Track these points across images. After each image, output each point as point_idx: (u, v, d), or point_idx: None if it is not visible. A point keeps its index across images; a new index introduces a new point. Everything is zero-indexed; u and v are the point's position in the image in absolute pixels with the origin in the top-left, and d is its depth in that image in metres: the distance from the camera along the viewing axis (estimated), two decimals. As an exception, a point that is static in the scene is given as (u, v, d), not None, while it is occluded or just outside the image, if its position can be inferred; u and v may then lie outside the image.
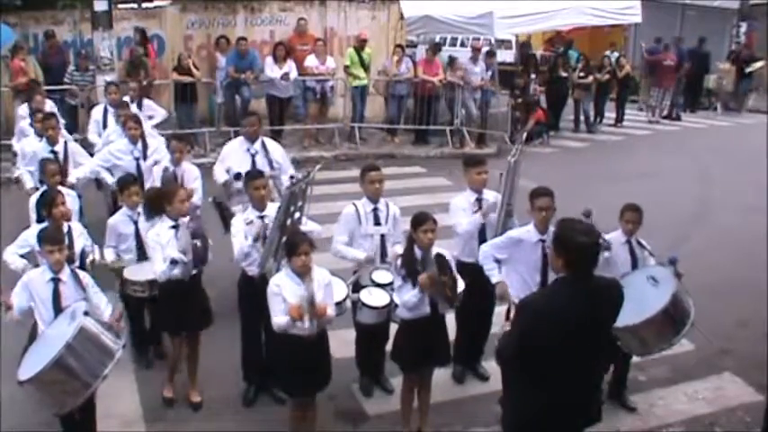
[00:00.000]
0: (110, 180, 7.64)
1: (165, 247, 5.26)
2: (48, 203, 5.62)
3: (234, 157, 7.34)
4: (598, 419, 3.87)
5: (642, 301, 4.90)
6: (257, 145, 7.35)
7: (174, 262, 5.21)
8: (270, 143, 7.61)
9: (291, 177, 5.56)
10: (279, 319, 4.64)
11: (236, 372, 5.76)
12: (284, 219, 5.04)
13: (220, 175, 7.32)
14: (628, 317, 4.71)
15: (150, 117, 9.92)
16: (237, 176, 6.89)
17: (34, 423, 5.16)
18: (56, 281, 4.70)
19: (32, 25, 13.77)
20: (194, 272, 5.40)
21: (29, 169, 7.67)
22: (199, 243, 5.31)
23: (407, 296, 4.88)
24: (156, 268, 5.31)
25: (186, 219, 5.38)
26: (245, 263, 5.45)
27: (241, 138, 7.54)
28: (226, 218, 6.49)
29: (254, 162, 7.20)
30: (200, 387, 5.69)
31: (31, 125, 8.63)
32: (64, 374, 4.24)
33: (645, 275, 5.22)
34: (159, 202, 5.59)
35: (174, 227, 5.35)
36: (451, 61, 14.62)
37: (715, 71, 19.40)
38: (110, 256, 5.83)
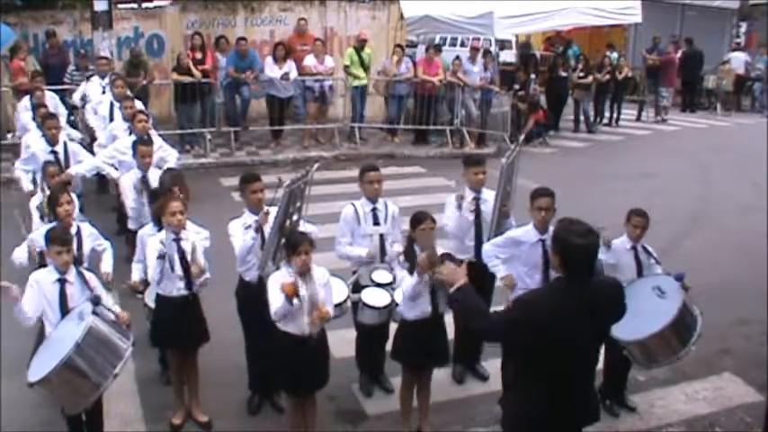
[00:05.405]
0: (114, 175, 7.67)
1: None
2: (52, 202, 5.62)
3: (92, 90, 10.42)
4: (597, 419, 3.87)
5: (649, 313, 4.85)
6: (106, 80, 10.46)
7: (161, 257, 4.93)
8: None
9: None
10: (276, 306, 4.56)
11: (236, 371, 5.75)
12: (283, 219, 4.98)
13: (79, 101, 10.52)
14: (635, 330, 4.72)
15: None
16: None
17: (34, 423, 5.17)
18: (62, 282, 4.68)
19: (32, 25, 13.79)
20: (194, 288, 5.16)
21: (25, 168, 7.63)
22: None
23: (406, 283, 4.86)
24: (150, 274, 5.12)
25: (186, 233, 5.08)
26: (241, 268, 5.37)
27: (96, 76, 10.79)
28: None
29: (104, 91, 10.29)
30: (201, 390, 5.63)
31: (34, 119, 8.58)
32: (74, 375, 4.25)
33: (650, 285, 5.13)
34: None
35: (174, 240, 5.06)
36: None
37: (714, 71, 19.38)
38: (136, 274, 5.51)
